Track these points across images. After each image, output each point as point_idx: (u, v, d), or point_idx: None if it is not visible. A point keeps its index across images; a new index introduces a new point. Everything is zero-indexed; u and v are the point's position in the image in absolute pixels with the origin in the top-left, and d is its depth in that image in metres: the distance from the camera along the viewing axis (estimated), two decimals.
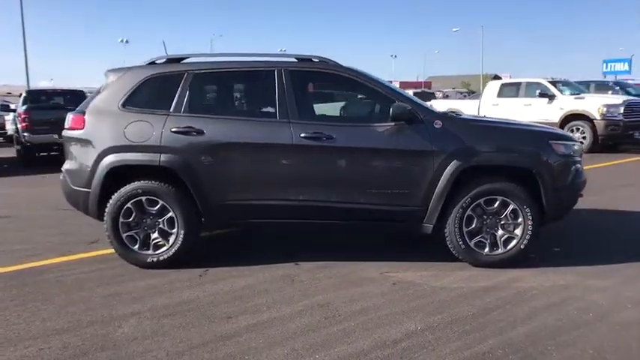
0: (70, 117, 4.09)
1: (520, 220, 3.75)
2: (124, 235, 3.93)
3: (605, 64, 36.80)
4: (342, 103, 4.63)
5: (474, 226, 3.79)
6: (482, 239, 3.81)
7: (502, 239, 3.80)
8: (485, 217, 3.80)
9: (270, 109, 3.88)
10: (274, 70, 3.91)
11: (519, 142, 3.83)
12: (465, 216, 3.76)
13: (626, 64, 36.18)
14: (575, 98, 11.45)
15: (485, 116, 4.93)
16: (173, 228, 3.89)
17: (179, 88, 3.92)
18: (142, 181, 3.86)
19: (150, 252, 3.94)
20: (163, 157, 3.81)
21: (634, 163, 9.84)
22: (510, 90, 12.94)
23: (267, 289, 3.52)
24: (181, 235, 3.87)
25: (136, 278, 3.76)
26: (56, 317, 3.10)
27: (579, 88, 12.48)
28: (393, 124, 3.74)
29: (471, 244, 3.80)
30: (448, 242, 3.84)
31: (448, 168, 3.68)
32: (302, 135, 3.75)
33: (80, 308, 3.23)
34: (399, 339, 2.76)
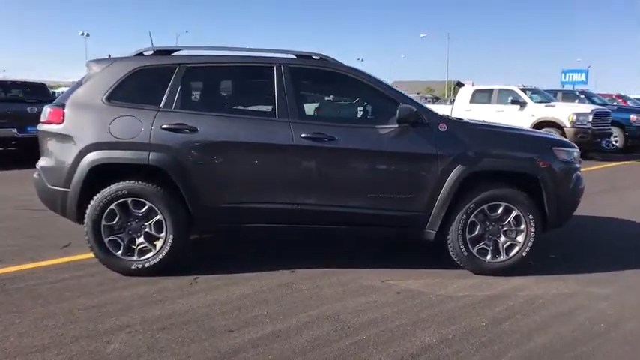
0: (47, 110, 3.74)
1: (523, 227, 3.69)
2: (106, 240, 3.61)
3: (563, 74, 38.33)
4: (342, 103, 4.47)
5: (476, 232, 3.71)
6: (484, 246, 3.73)
7: (504, 246, 3.73)
8: (487, 223, 3.72)
9: (269, 108, 3.67)
10: (273, 67, 3.70)
11: (523, 148, 3.78)
12: (469, 222, 3.68)
13: (584, 74, 37.77)
14: (546, 106, 11.75)
15: (484, 121, 4.86)
16: (161, 232, 3.61)
17: (170, 82, 3.65)
18: (127, 182, 3.56)
19: (134, 258, 3.64)
20: (152, 156, 3.52)
21: (600, 170, 10.18)
22: (483, 96, 13.15)
23: (266, 298, 3.31)
24: (170, 240, 3.59)
25: (120, 287, 3.46)
26: (34, 332, 2.78)
27: (548, 96, 12.83)
28: (396, 126, 3.61)
29: (474, 251, 3.72)
30: (450, 249, 3.74)
31: (453, 173, 3.58)
32: (302, 135, 3.56)
33: (61, 321, 2.92)
34: (417, 353, 2.62)
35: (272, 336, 2.78)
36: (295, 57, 3.86)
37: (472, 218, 3.68)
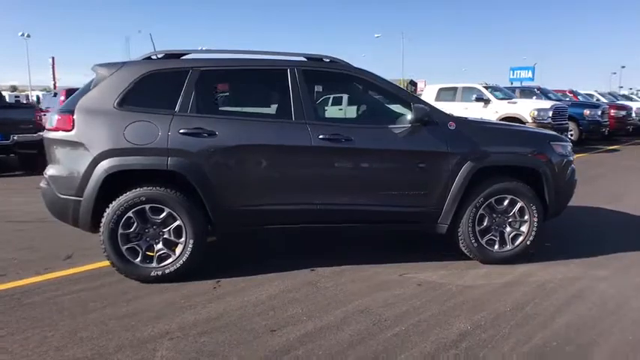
0: (54, 117, 3.62)
1: (526, 217, 3.94)
2: (123, 248, 3.55)
3: (511, 72, 40.12)
4: (356, 104, 4.57)
5: (484, 224, 3.92)
6: (492, 237, 3.95)
7: (510, 236, 3.97)
8: (494, 215, 3.94)
9: (285, 110, 3.72)
10: (287, 69, 3.76)
11: (525, 143, 4.03)
12: (478, 215, 3.88)
13: (530, 71, 39.70)
14: (509, 102, 12.36)
15: (482, 118, 5.11)
16: (180, 238, 3.59)
17: (184, 86, 3.63)
18: (144, 188, 3.52)
19: (154, 265, 3.59)
20: (171, 161, 3.50)
21: None
22: (448, 94, 13.64)
23: (295, 297, 3.36)
24: (190, 245, 3.57)
25: (144, 295, 3.41)
26: (72, 345, 2.72)
27: (509, 93, 13.49)
28: (409, 125, 3.76)
29: (483, 242, 3.93)
30: (461, 241, 3.94)
31: (463, 169, 3.77)
32: (320, 137, 3.63)
33: (96, 333, 2.86)
34: (457, 339, 2.77)
35: (315, 333, 2.85)
36: (306, 59, 3.93)
37: (481, 211, 3.89)
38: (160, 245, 3.60)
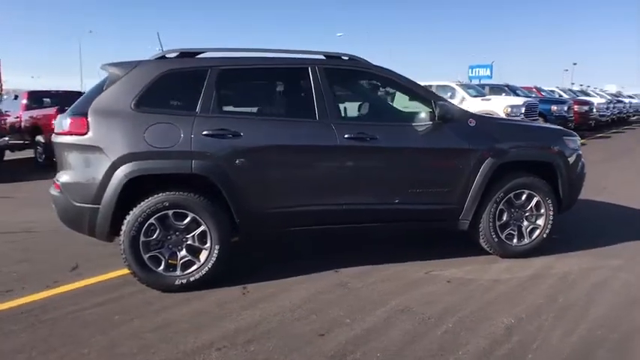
0: (65, 120, 3.40)
1: (542, 210, 4.04)
2: (145, 257, 3.38)
3: (470, 69, 41.27)
4: (377, 102, 4.55)
5: (504, 219, 3.99)
6: (511, 231, 4.03)
7: (527, 230, 4.06)
8: (512, 210, 4.02)
9: (308, 109, 3.65)
10: (308, 68, 3.68)
11: (540, 138, 4.14)
12: (498, 210, 3.95)
13: (488, 69, 40.95)
14: (482, 100, 12.71)
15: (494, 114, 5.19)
16: (205, 243, 3.45)
17: (204, 86, 3.49)
18: (167, 193, 3.36)
19: (178, 273, 3.44)
20: (196, 164, 3.36)
21: None
22: None
23: (331, 300, 3.31)
24: (216, 251, 3.45)
25: (171, 305, 3.25)
26: None
27: (481, 90, 13.88)
28: (430, 123, 3.78)
29: (502, 236, 4.00)
30: (482, 236, 3.99)
31: (484, 165, 3.82)
32: (346, 136, 3.59)
33: (135, 348, 2.70)
34: (506, 334, 2.80)
35: (365, 335, 2.80)
36: (324, 57, 3.87)
37: (501, 206, 3.95)
38: (183, 252, 3.46)
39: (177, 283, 3.43)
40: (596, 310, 3.10)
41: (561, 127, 4.58)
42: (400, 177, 3.77)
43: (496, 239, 3.97)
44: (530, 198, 4.02)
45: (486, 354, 2.58)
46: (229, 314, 3.11)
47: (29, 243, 4.77)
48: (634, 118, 26.03)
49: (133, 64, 3.54)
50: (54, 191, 3.48)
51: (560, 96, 18.55)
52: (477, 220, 3.94)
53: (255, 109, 3.83)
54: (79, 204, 3.36)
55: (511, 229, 4.03)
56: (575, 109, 15.14)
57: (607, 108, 18.37)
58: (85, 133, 3.32)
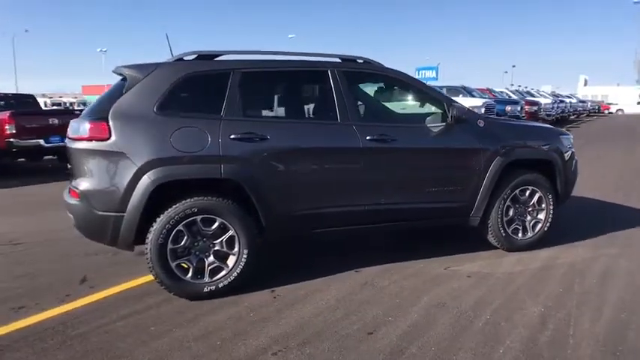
0: (84, 125, 3.24)
1: (544, 205, 4.30)
2: (173, 265, 3.29)
3: (417, 72, 42.50)
4: (393, 104, 4.63)
5: (510, 215, 4.21)
6: (516, 226, 4.26)
7: (531, 224, 4.31)
8: (517, 206, 4.25)
9: (330, 112, 3.68)
10: (327, 71, 3.72)
11: (542, 138, 4.39)
12: (505, 206, 4.16)
13: (434, 71, 42.34)
14: None
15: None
16: (233, 249, 3.41)
17: (228, 89, 3.44)
18: (195, 198, 3.29)
19: (206, 280, 3.37)
20: (225, 168, 3.31)
21: None
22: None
23: (363, 299, 3.36)
24: (244, 256, 3.41)
25: (204, 312, 3.19)
26: None
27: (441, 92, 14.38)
28: (443, 124, 3.92)
29: (509, 231, 4.22)
30: (490, 232, 4.19)
31: (494, 163, 4.02)
32: (368, 137, 3.66)
33: (186, 357, 2.63)
34: (541, 321, 2.96)
35: (412, 331, 2.88)
36: (340, 60, 3.92)
37: (507, 202, 4.17)
38: (211, 258, 3.39)
39: (205, 290, 3.36)
40: (611, 295, 3.35)
41: (558, 128, 4.88)
42: (419, 177, 3.89)
43: (504, 234, 4.19)
44: (532, 194, 4.26)
45: (531, 342, 2.73)
46: (268, 318, 3.09)
47: (20, 256, 4.48)
48: (573, 117, 27.95)
49: (152, 67, 3.43)
50: (71, 199, 3.31)
51: (509, 97, 19.59)
52: (486, 217, 4.13)
53: (278, 112, 3.82)
54: (101, 212, 3.21)
55: (516, 224, 4.26)
56: (526, 109, 16.08)
57: (552, 108, 19.63)
58: (108, 139, 3.19)
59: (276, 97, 3.94)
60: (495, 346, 2.70)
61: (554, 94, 28.88)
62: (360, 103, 3.97)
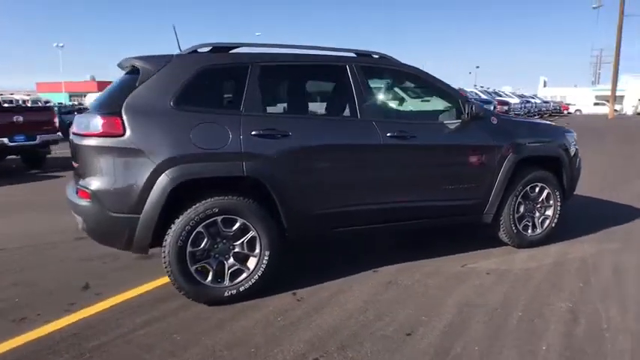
0: (94, 119, 3.00)
1: (551, 202, 4.36)
2: (192, 269, 3.11)
3: None
4: (410, 101, 4.55)
5: (521, 212, 4.24)
6: (526, 223, 4.29)
7: (540, 220, 4.35)
8: (527, 202, 4.28)
9: (350, 108, 3.59)
10: (346, 66, 3.62)
11: (550, 135, 4.45)
12: (516, 203, 4.19)
13: None
14: (422, 101, 13.32)
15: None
16: (254, 250, 3.26)
17: (246, 83, 3.28)
18: (216, 198, 3.12)
19: (227, 283, 3.21)
20: (247, 166, 3.15)
21: None
22: None
23: (391, 299, 3.28)
24: (266, 257, 3.26)
25: (228, 318, 3.02)
26: None
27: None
28: (459, 120, 3.90)
29: (520, 227, 4.25)
30: (502, 228, 4.20)
31: (507, 160, 4.03)
32: (388, 134, 3.58)
33: None
34: (573, 318, 2.97)
35: (451, 330, 2.82)
36: (356, 55, 3.83)
37: (519, 199, 4.19)
38: (231, 260, 3.23)
39: (226, 294, 3.19)
40: (629, 288, 3.41)
41: (562, 126, 4.96)
42: (436, 174, 3.84)
43: (515, 230, 4.21)
44: (542, 190, 4.31)
45: (569, 337, 2.73)
46: (298, 322, 2.96)
47: (6, 263, 4.16)
48: (537, 117, 28.94)
49: (166, 59, 3.23)
50: (81, 200, 3.07)
51: (480, 97, 20.06)
52: (498, 214, 4.14)
53: (298, 108, 3.68)
54: (116, 214, 2.99)
55: (526, 221, 4.29)
56: (498, 109, 16.51)
57: (520, 107, 20.27)
58: (122, 135, 2.97)
59: (295, 92, 3.80)
60: (537, 342, 2.68)
61: (520, 95, 29.86)
62: (377, 98, 3.88)
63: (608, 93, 33.25)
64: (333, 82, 3.78)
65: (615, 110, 35.76)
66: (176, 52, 3.43)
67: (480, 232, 4.43)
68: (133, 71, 3.32)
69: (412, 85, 4.20)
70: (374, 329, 2.85)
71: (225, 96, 3.32)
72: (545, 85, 67.70)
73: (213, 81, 3.28)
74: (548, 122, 4.94)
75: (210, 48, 3.44)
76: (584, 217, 5.49)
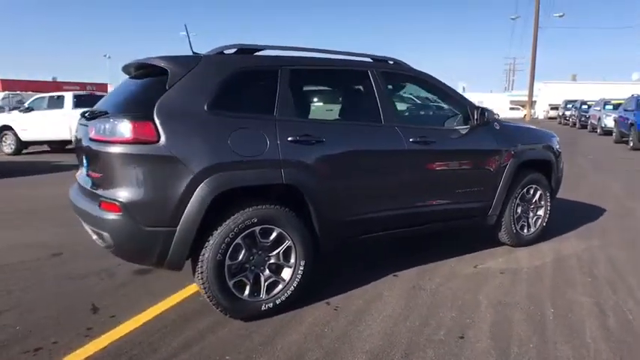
0: (122, 124, 2.71)
1: (543, 202, 4.64)
2: (231, 283, 2.93)
3: None
4: (422, 106, 4.57)
5: (519, 213, 4.47)
6: (523, 223, 4.53)
7: (533, 220, 4.62)
8: (523, 203, 4.52)
9: (374, 113, 3.57)
10: (368, 71, 3.61)
11: (543, 140, 4.72)
12: (516, 204, 4.41)
13: None
14: None
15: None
16: (289, 260, 3.14)
17: (278, 87, 3.16)
18: (254, 207, 2.96)
19: (262, 297, 3.06)
20: (286, 174, 3.03)
21: None
22: None
23: (425, 303, 3.30)
24: (301, 268, 3.16)
25: (271, 333, 2.88)
26: None
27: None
28: (468, 126, 4.03)
29: (518, 228, 4.47)
30: (503, 229, 4.39)
31: (509, 164, 4.22)
32: (411, 139, 3.62)
33: None
34: (601, 311, 3.17)
35: (498, 331, 2.89)
36: (372, 60, 3.82)
37: (517, 200, 4.42)
38: (267, 272, 3.09)
39: (263, 308, 3.05)
40: (632, 280, 3.71)
41: (549, 130, 5.28)
42: (453, 178, 3.93)
43: (514, 231, 4.43)
44: (535, 192, 4.58)
45: (606, 329, 2.92)
46: (349, 333, 2.89)
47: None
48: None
49: (195, 59, 3.03)
50: (106, 214, 2.76)
51: None
52: (501, 215, 4.33)
53: (327, 113, 3.60)
54: (150, 228, 2.74)
55: (523, 221, 4.53)
56: None
57: None
58: (156, 141, 2.72)
59: (322, 96, 3.72)
60: (581, 337, 2.83)
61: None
62: (397, 104, 3.91)
63: (522, 98, 36.23)
64: (358, 87, 3.74)
65: None
66: (189, 52, 3.24)
67: (470, 233, 4.61)
68: (150, 73, 3.09)
69: (423, 90, 4.27)
70: (427, 335, 2.86)
71: (259, 100, 3.16)
72: (464, 91, 72.16)
73: (246, 84, 3.12)
74: (539, 128, 5.26)
75: (236, 50, 3.27)
76: (555, 216, 5.89)
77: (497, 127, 4.25)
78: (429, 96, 4.31)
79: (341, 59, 3.61)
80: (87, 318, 3.10)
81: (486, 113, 4.03)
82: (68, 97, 13.56)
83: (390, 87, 3.79)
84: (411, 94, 4.59)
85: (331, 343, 2.76)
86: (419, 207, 3.75)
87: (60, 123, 13.19)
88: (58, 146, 14.70)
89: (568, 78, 61.39)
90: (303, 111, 3.44)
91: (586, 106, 26.02)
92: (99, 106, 3.34)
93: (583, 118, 25.11)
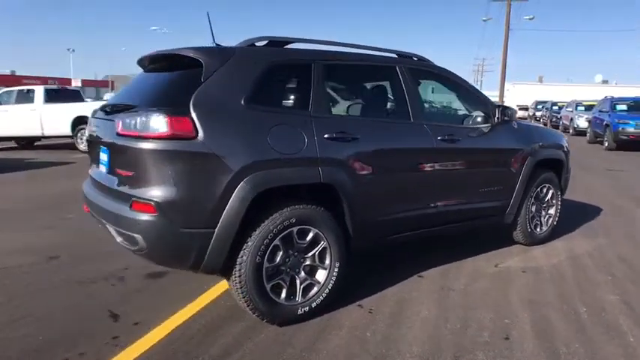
0: (157, 118, 2.53)
1: (554, 201, 4.69)
2: (268, 286, 2.81)
3: None
4: (445, 103, 4.50)
5: (533, 211, 4.50)
6: (537, 222, 4.56)
7: (545, 219, 4.65)
8: (537, 202, 4.55)
9: (402, 110, 3.49)
10: (396, 67, 3.53)
11: (554, 139, 4.75)
12: (531, 203, 4.43)
13: None
14: None
15: None
16: (324, 262, 3.04)
17: (312, 82, 3.04)
18: (292, 207, 2.84)
19: (299, 300, 2.94)
20: (323, 172, 2.91)
21: None
22: None
23: (459, 304, 3.25)
24: (336, 270, 3.06)
25: (313, 338, 2.78)
26: None
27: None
28: (489, 124, 4.01)
29: (532, 226, 4.50)
30: (519, 228, 4.41)
31: (527, 163, 4.24)
32: (439, 137, 3.57)
33: None
34: (629, 308, 3.20)
35: (541, 331, 2.87)
36: (397, 56, 3.75)
37: (532, 199, 4.44)
38: (302, 275, 2.97)
39: (300, 312, 2.93)
40: None
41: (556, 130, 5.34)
42: (477, 176, 3.90)
43: (529, 230, 4.46)
44: (548, 191, 4.61)
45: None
46: (391, 336, 2.81)
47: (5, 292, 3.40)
48: None
49: (229, 51, 2.88)
50: (139, 215, 2.57)
51: None
52: (517, 214, 4.34)
53: (359, 109, 3.49)
54: (187, 229, 2.57)
55: (536, 220, 4.57)
56: None
57: None
58: (194, 137, 2.56)
59: (354, 92, 3.61)
60: (623, 335, 2.84)
61: None
62: (423, 101, 3.85)
63: (491, 99, 36.86)
64: (387, 83, 3.65)
65: None
66: (211, 43, 3.09)
67: (481, 233, 4.62)
68: (177, 66, 2.93)
69: (445, 87, 4.22)
70: (470, 336, 2.81)
71: (294, 95, 3.04)
72: (432, 92, 73.21)
73: (281, 78, 3.00)
74: (549, 128, 5.31)
75: (267, 42, 3.13)
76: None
77: (516, 127, 4.26)
78: (450, 93, 4.26)
79: (370, 55, 3.52)
80: (110, 326, 2.91)
81: (507, 112, 4.02)
82: (39, 91, 12.94)
83: (416, 84, 3.72)
84: (432, 90, 4.55)
85: (377, 348, 2.67)
86: (445, 206, 3.70)
87: (30, 118, 12.59)
88: (27, 142, 14.04)
89: (535, 79, 63.30)
90: (336, 107, 3.34)
91: (557, 107, 26.82)
92: (117, 100, 3.14)
93: (554, 119, 25.84)
